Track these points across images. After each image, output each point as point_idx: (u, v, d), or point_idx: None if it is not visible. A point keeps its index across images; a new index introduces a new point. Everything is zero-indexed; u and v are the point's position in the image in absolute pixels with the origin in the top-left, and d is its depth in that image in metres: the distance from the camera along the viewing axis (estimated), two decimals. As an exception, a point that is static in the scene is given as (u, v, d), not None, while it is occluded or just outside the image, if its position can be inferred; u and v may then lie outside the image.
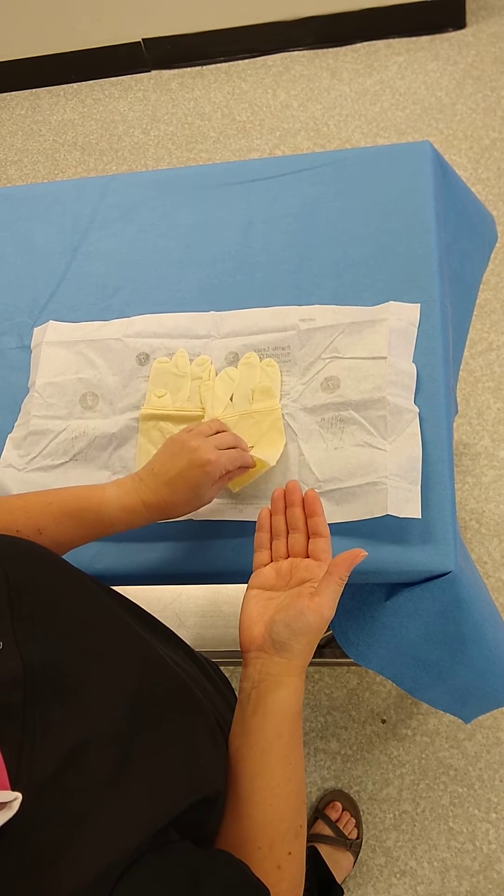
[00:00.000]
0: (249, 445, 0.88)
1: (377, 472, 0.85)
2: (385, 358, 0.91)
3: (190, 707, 0.58)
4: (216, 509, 0.91)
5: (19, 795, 0.39)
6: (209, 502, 0.81)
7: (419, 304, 0.96)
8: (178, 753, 0.51)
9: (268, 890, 0.51)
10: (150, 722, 0.51)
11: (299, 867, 0.58)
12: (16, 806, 0.39)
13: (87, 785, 0.43)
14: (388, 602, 0.90)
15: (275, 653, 0.64)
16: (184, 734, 0.54)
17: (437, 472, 0.87)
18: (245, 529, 0.89)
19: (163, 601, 1.66)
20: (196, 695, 0.61)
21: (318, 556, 0.71)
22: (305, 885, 1.30)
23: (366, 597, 0.93)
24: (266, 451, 0.90)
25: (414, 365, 0.92)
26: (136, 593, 1.71)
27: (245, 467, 0.85)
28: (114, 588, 0.71)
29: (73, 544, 0.77)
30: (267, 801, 0.59)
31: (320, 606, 0.65)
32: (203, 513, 0.90)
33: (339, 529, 0.86)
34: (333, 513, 0.86)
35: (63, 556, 0.78)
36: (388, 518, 0.83)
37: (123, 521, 0.77)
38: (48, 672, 0.48)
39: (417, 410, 0.89)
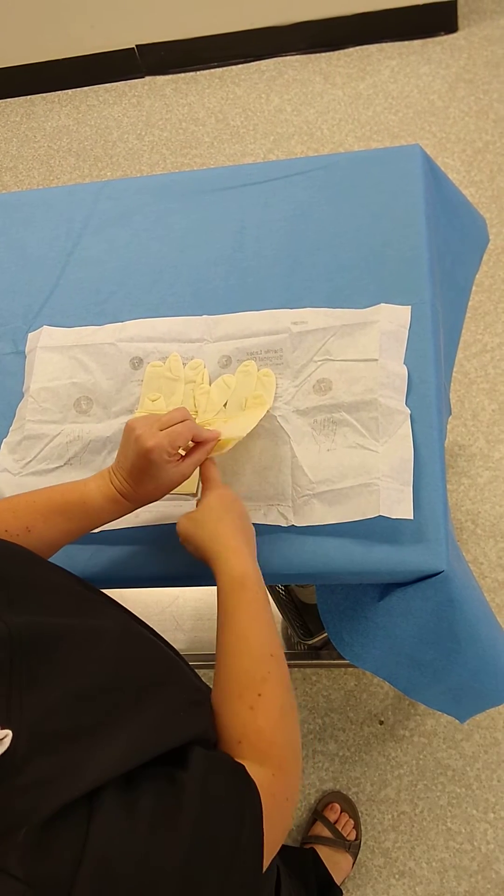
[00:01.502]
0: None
1: (369, 474, 0.86)
2: (376, 360, 0.92)
3: (170, 667, 0.65)
4: (210, 512, 0.91)
5: (9, 732, 0.43)
6: (184, 480, 0.81)
7: (410, 307, 0.97)
8: (162, 702, 0.57)
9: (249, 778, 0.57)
10: (136, 675, 0.58)
11: (274, 705, 0.65)
12: (7, 742, 0.42)
13: (75, 730, 0.48)
14: (381, 602, 0.90)
15: None
16: (168, 684, 0.61)
17: (428, 473, 0.88)
18: (239, 531, 0.89)
19: (160, 605, 1.67)
20: (176, 661, 0.68)
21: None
22: (304, 886, 1.30)
23: (359, 597, 0.94)
24: (240, 426, 0.89)
25: (405, 367, 0.93)
26: (134, 597, 1.73)
27: (199, 440, 0.82)
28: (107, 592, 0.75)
29: (62, 541, 0.79)
30: (227, 663, 0.67)
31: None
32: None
33: (331, 530, 0.87)
34: (326, 514, 0.87)
35: (59, 558, 0.79)
36: (381, 519, 0.83)
37: (108, 511, 0.79)
38: (34, 636, 0.51)
39: (409, 412, 0.90)
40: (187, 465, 0.80)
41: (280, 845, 0.59)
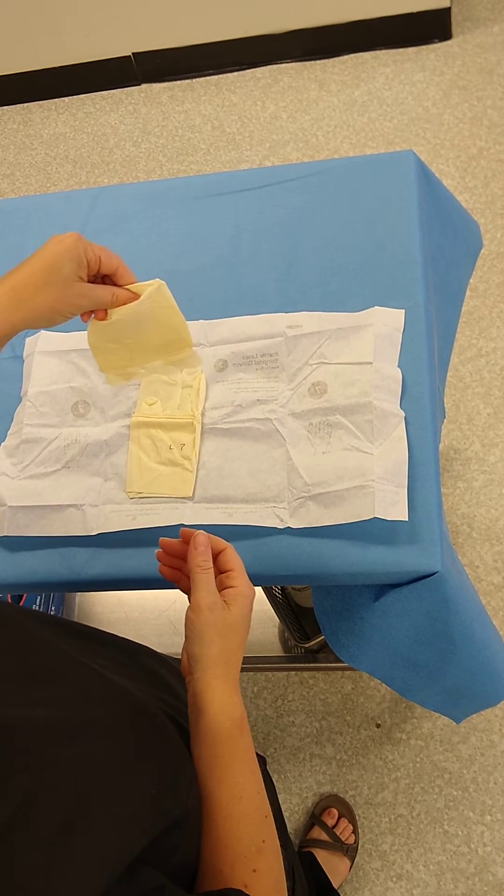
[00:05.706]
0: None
1: (364, 476, 0.86)
2: (371, 363, 0.93)
3: (143, 733, 0.57)
4: (206, 514, 0.92)
5: None
6: (86, 302, 0.76)
7: (404, 310, 0.97)
8: (133, 788, 0.50)
9: None
10: (102, 760, 0.50)
11: (269, 882, 0.57)
12: None
13: (34, 841, 0.42)
14: (376, 603, 0.91)
15: (193, 670, 0.64)
16: (138, 764, 0.53)
17: (423, 475, 0.88)
18: (235, 533, 0.90)
19: (157, 609, 1.67)
20: (150, 714, 0.60)
21: (227, 567, 0.70)
22: (304, 890, 1.30)
23: (355, 598, 0.95)
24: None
25: (399, 369, 0.94)
26: (131, 601, 1.72)
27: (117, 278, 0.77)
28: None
29: None
30: (218, 824, 0.57)
31: (194, 604, 0.65)
32: (192, 517, 0.92)
33: (327, 532, 0.87)
34: (322, 516, 0.87)
35: (57, 563, 0.78)
36: (376, 520, 0.84)
37: None
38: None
39: (403, 414, 0.91)
40: (98, 287, 0.76)
41: None
